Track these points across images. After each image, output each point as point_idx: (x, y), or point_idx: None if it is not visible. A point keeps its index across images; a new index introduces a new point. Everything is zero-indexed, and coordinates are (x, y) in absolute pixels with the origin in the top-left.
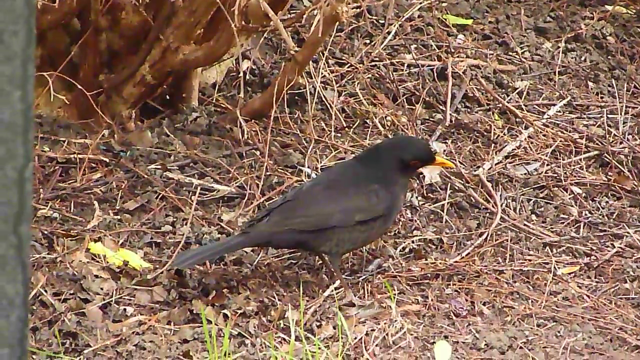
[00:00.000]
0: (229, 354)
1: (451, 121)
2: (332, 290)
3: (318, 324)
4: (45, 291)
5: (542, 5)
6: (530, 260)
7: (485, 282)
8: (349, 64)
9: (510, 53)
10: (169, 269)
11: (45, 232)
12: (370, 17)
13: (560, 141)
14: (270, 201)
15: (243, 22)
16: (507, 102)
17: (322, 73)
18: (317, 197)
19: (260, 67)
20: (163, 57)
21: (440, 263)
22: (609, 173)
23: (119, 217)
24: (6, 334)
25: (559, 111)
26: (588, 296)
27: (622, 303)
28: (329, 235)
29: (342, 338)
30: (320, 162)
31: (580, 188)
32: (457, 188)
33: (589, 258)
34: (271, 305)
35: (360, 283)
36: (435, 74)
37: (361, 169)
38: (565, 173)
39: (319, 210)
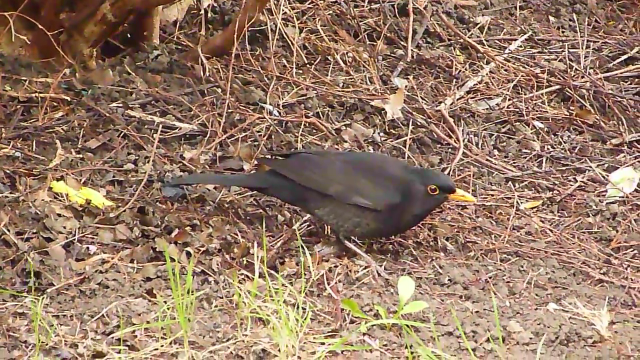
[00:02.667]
0: (193, 291)
1: (412, 57)
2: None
3: (281, 261)
4: (8, 230)
5: None
6: (493, 195)
7: (448, 218)
8: (309, 1)
9: None
10: (166, 185)
11: (8, 172)
12: None
13: (522, 76)
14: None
15: None
16: (468, 37)
17: (283, 10)
18: (332, 164)
19: (221, 4)
20: None
21: None
22: (571, 107)
23: (81, 155)
24: None
25: (520, 46)
26: (551, 230)
27: (585, 237)
28: (325, 203)
29: (305, 275)
30: (282, 99)
31: (542, 122)
32: (419, 124)
33: (551, 192)
34: (234, 243)
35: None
36: (397, 10)
37: (395, 168)
38: (527, 108)
39: (325, 174)
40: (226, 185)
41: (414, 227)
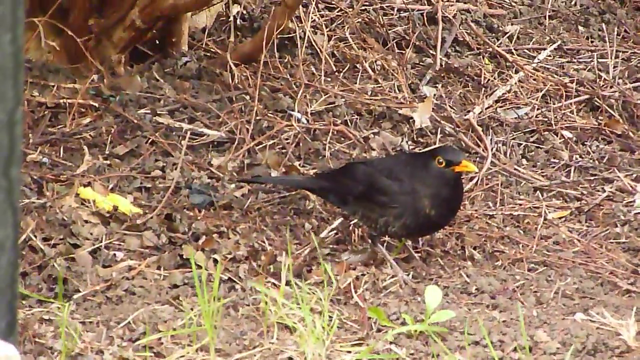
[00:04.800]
0: (219, 298)
1: (441, 65)
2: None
3: (308, 268)
4: (35, 236)
5: None
6: (520, 204)
7: (476, 227)
8: (338, 8)
9: None
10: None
11: (35, 177)
12: None
13: (551, 85)
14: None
15: None
16: (497, 46)
17: (312, 17)
18: (358, 170)
19: (250, 11)
20: (153, 1)
21: None
22: (600, 117)
23: (108, 161)
24: None
25: (549, 55)
26: (578, 240)
27: (612, 247)
28: (355, 206)
29: (331, 283)
30: (310, 107)
31: (570, 132)
32: (447, 132)
33: (579, 202)
34: (261, 250)
35: (351, 227)
36: (425, 18)
37: (409, 164)
38: (555, 117)
39: (353, 177)
40: (285, 184)
41: (440, 233)
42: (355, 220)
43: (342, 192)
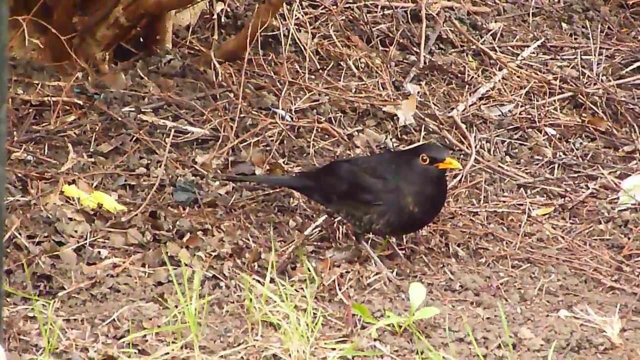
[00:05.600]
0: (204, 296)
1: (425, 63)
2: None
3: (292, 266)
4: (20, 234)
5: None
6: (504, 201)
7: (460, 224)
8: (322, 6)
9: None
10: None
11: (20, 175)
12: None
13: (534, 82)
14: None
15: None
16: (481, 43)
17: (295, 15)
18: (341, 168)
19: (234, 9)
20: None
21: None
22: (583, 114)
23: (93, 159)
24: None
25: (533, 52)
26: (562, 237)
27: (596, 244)
28: (339, 204)
29: (315, 280)
30: (294, 104)
31: (554, 129)
32: (431, 129)
33: (563, 199)
34: (246, 248)
35: (335, 225)
36: (409, 16)
37: (393, 162)
38: (539, 114)
39: (336, 175)
40: (268, 184)
41: (424, 231)
42: (340, 218)
43: (326, 190)
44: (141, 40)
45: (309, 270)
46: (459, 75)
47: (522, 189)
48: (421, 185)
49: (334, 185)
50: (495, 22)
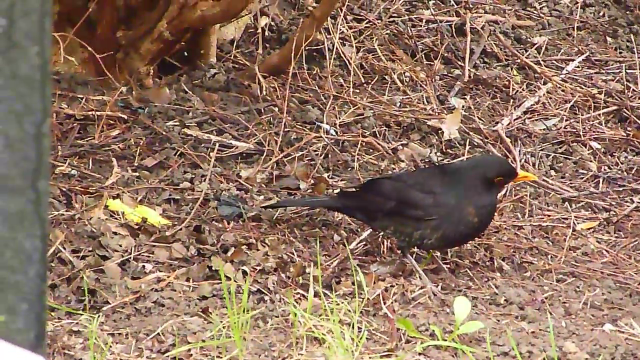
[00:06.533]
0: (248, 310)
1: (470, 77)
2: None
3: (337, 280)
4: (64, 248)
5: None
6: (549, 215)
7: (505, 238)
8: (367, 20)
9: (529, 8)
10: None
11: (64, 189)
12: None
13: (579, 96)
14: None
15: None
16: (525, 57)
17: (340, 29)
18: (386, 185)
19: (278, 23)
20: (180, 13)
21: None
22: (628, 128)
23: (137, 173)
24: (25, 290)
25: (578, 66)
26: (607, 251)
27: None
28: (386, 221)
29: (360, 294)
30: (339, 118)
31: (599, 143)
32: (476, 144)
33: (608, 213)
34: (290, 262)
35: (380, 238)
36: (454, 30)
37: (440, 177)
38: (584, 128)
39: (380, 193)
40: (309, 206)
41: (469, 245)
42: (386, 234)
43: (370, 209)
44: (185, 54)
45: (354, 284)
46: (504, 89)
47: (566, 202)
48: (482, 196)
49: (379, 203)
50: (540, 35)
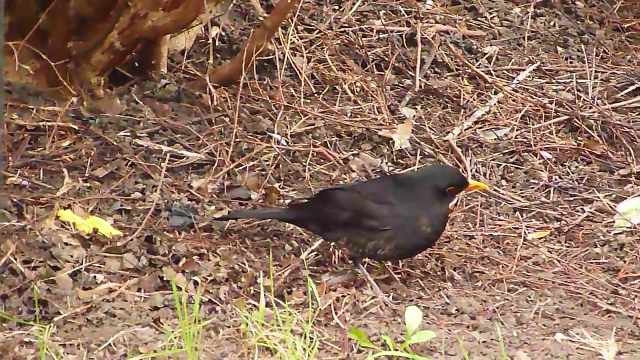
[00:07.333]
0: (200, 320)
1: (420, 87)
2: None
3: (289, 290)
4: (15, 259)
5: None
6: (500, 225)
7: (456, 247)
8: (317, 30)
9: (479, 18)
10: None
11: (15, 200)
12: None
13: (530, 106)
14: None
15: None
16: (476, 67)
17: (291, 39)
18: (340, 196)
19: (229, 33)
20: (132, 23)
21: None
22: (579, 138)
23: (88, 184)
24: None
25: (529, 76)
26: (558, 261)
27: (592, 267)
28: (340, 232)
29: (312, 304)
30: (290, 129)
31: (550, 153)
32: (427, 153)
33: (559, 223)
34: (242, 272)
35: (331, 249)
36: (404, 40)
37: (393, 187)
38: (535, 138)
39: (335, 204)
40: (264, 218)
41: (420, 255)
42: (339, 245)
43: (324, 220)
44: (136, 64)
45: (305, 295)
46: (455, 99)
47: (517, 212)
48: (435, 206)
49: (334, 214)
50: (491, 45)
